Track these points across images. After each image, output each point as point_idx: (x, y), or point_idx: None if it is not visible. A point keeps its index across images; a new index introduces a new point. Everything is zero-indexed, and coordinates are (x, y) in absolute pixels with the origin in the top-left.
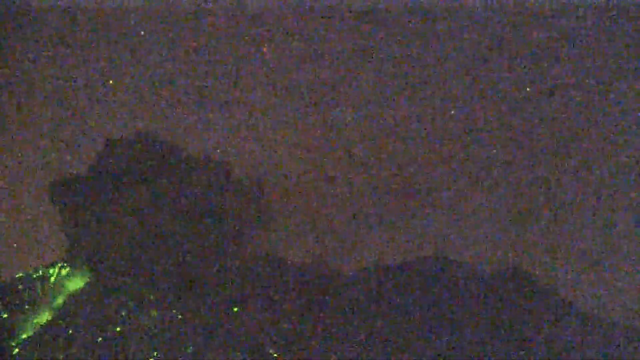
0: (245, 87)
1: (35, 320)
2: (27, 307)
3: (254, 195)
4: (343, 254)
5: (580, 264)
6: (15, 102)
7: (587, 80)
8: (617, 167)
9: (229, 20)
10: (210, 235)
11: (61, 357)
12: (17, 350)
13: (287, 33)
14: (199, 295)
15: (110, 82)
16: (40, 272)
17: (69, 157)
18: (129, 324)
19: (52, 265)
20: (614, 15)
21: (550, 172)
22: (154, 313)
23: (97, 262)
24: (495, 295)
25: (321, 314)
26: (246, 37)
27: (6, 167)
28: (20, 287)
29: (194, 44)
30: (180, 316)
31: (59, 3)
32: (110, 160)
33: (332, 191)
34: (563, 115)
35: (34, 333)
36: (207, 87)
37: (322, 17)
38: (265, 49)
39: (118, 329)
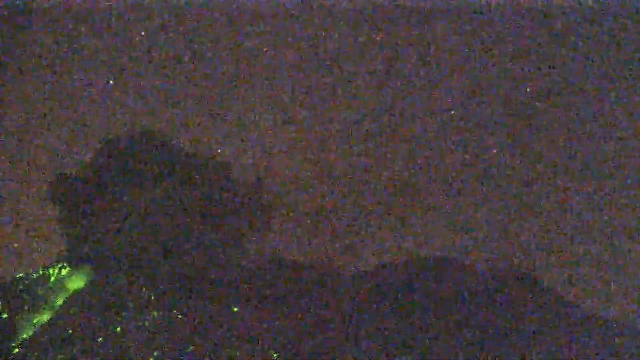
0: (245, 87)
1: (35, 320)
2: (27, 307)
3: (254, 195)
4: (343, 254)
5: (580, 264)
6: (15, 102)
7: (587, 81)
8: (617, 167)
9: (229, 20)
10: (210, 235)
11: (61, 357)
12: (17, 350)
13: (287, 33)
14: (199, 295)
15: (110, 82)
16: (40, 272)
17: (69, 157)
18: (129, 324)
19: (52, 265)
20: (613, 15)
21: (550, 172)
22: (154, 313)
23: (97, 262)
24: (496, 295)
25: (321, 314)
26: (246, 37)
27: (6, 167)
28: (20, 287)
29: (194, 44)
30: (180, 316)
31: (59, 3)
32: (110, 160)
33: (332, 191)
34: (563, 116)
35: (34, 333)
36: (207, 87)
37: (322, 17)
38: (265, 49)
39: (118, 329)
